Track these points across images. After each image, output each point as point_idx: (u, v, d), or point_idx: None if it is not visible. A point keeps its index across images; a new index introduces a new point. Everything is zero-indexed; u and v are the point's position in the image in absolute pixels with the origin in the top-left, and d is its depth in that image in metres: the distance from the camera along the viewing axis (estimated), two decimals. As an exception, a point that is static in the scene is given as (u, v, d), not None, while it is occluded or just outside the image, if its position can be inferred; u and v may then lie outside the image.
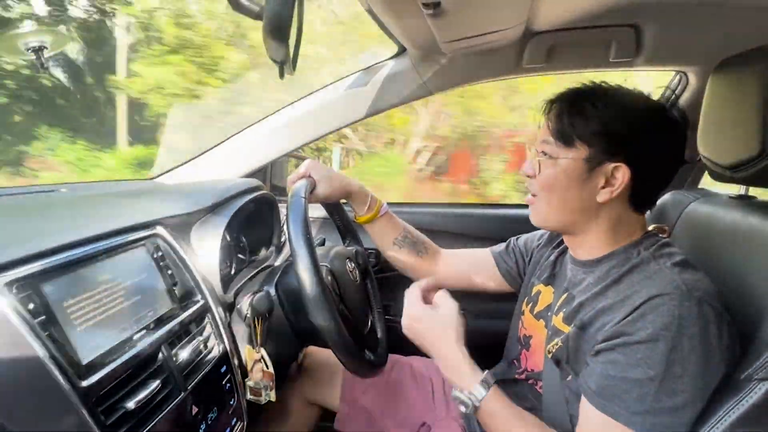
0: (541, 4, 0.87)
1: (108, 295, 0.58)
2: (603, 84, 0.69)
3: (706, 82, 0.80)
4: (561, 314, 0.72)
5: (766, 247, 0.63)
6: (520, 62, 1.10)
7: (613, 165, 0.65)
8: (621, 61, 1.06)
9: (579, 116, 0.66)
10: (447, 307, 0.73)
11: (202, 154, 1.22)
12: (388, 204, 0.96)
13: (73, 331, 0.51)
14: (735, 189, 0.82)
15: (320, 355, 1.08)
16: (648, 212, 0.74)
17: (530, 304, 0.84)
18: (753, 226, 0.68)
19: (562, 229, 0.74)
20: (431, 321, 0.73)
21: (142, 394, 0.54)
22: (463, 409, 0.67)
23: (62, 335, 0.49)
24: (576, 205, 0.68)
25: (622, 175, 0.65)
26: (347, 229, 1.02)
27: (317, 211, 1.23)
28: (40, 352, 0.46)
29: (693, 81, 1.13)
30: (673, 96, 1.17)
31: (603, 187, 0.66)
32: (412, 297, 0.76)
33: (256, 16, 0.47)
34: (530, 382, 0.81)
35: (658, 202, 0.91)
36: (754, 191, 0.80)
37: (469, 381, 0.67)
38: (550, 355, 0.72)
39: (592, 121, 0.65)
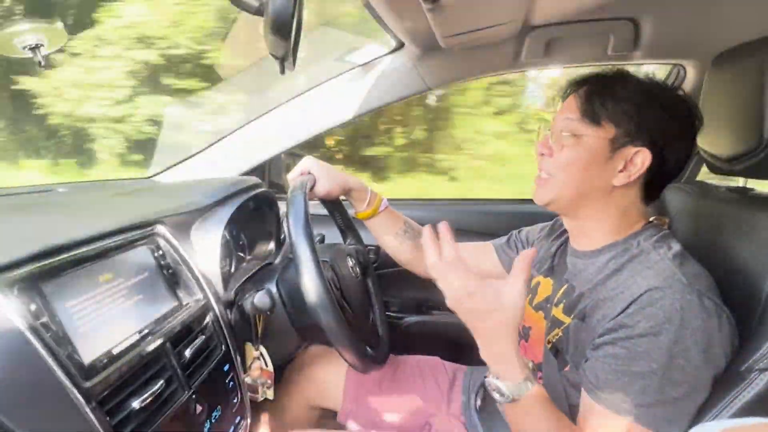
0: (539, -2, 0.87)
1: (109, 295, 0.58)
2: (631, 72, 0.69)
3: (703, 75, 0.80)
4: (561, 305, 0.73)
5: (764, 239, 0.64)
6: (518, 57, 1.10)
7: (635, 149, 0.65)
8: (619, 54, 1.06)
9: (610, 97, 0.66)
10: (515, 292, 0.59)
11: (201, 152, 1.21)
12: (388, 200, 0.96)
13: (76, 332, 0.51)
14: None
15: (321, 359, 1.07)
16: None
17: (529, 296, 0.84)
18: (751, 218, 0.68)
19: (570, 210, 0.73)
20: (492, 303, 0.59)
21: (147, 394, 0.54)
22: (497, 397, 0.62)
23: (64, 336, 0.49)
24: (591, 186, 0.68)
25: (642, 160, 0.65)
26: (347, 226, 1.02)
27: (316, 208, 1.23)
28: (43, 353, 0.45)
29: (691, 74, 1.13)
30: None
31: (621, 171, 0.66)
32: (461, 266, 0.61)
33: (256, 12, 0.47)
34: None
35: (657, 195, 0.92)
36: (752, 183, 0.81)
37: (514, 374, 0.60)
38: (549, 345, 0.73)
39: (622, 102, 0.65)
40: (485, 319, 0.60)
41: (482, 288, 0.59)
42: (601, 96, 0.66)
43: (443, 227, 0.62)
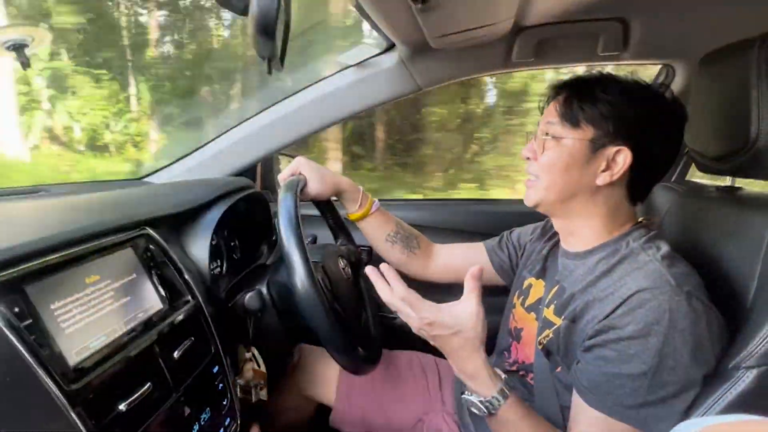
0: (529, -1, 0.88)
1: (96, 297, 0.57)
2: (611, 73, 0.70)
3: (692, 75, 0.81)
4: (552, 306, 0.73)
5: (752, 237, 0.64)
6: (509, 57, 1.11)
7: (615, 148, 0.66)
8: (609, 54, 1.07)
9: (588, 100, 0.67)
10: (469, 312, 0.63)
11: (192, 153, 1.20)
12: (379, 200, 0.96)
13: (61, 334, 0.50)
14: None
15: (316, 351, 1.08)
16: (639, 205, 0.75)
17: (521, 297, 0.85)
18: (739, 217, 0.69)
19: (558, 211, 0.74)
20: (452, 327, 0.63)
21: (133, 396, 0.54)
22: (475, 411, 0.64)
23: (49, 338, 0.48)
24: (575, 187, 0.69)
25: (623, 159, 0.65)
26: (339, 227, 1.02)
27: (308, 209, 1.23)
28: (26, 355, 0.45)
29: (680, 74, 1.14)
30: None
31: (604, 171, 0.67)
32: (413, 299, 0.65)
33: (242, 12, 0.47)
34: (521, 373, 0.82)
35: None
36: (741, 182, 0.81)
37: (487, 389, 0.63)
38: (541, 347, 0.73)
39: (600, 105, 0.66)
40: (449, 342, 0.64)
41: (438, 315, 0.63)
42: (580, 99, 0.68)
43: (384, 268, 0.67)
